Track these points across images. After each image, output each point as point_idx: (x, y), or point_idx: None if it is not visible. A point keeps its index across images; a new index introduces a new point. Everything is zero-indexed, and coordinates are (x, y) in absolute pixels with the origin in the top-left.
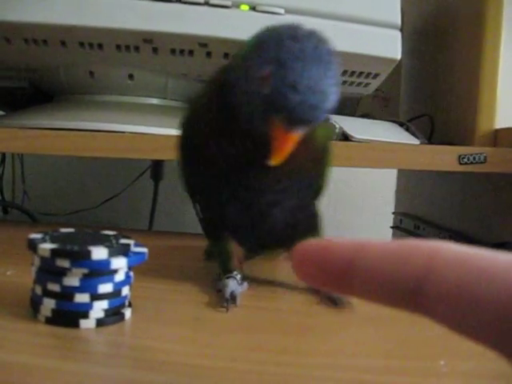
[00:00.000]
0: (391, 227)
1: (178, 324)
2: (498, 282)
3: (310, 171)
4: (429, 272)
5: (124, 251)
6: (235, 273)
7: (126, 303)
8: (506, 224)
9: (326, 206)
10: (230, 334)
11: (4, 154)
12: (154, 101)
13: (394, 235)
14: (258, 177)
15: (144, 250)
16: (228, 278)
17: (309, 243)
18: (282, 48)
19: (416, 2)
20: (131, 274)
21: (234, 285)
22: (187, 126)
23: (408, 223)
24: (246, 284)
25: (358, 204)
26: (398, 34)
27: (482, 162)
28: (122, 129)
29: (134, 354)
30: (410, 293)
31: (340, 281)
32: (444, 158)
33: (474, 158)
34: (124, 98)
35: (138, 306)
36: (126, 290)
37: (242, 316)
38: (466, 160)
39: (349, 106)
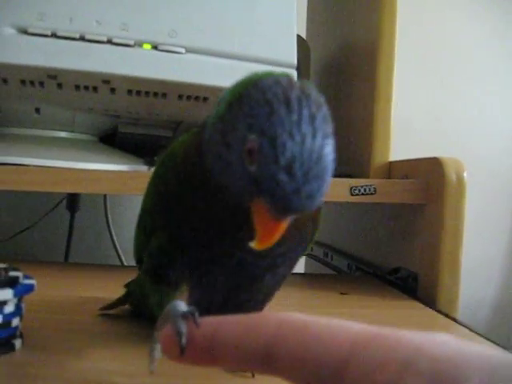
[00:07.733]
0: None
1: (68, 352)
2: (324, 345)
3: (308, 230)
4: (276, 340)
5: (11, 283)
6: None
7: (18, 334)
8: (399, 251)
9: None
10: (114, 361)
11: None
12: (62, 134)
13: (306, 262)
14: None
15: (32, 281)
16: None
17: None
18: (272, 117)
19: (322, 38)
20: (23, 305)
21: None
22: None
23: (318, 251)
24: None
25: None
26: (294, 73)
27: (372, 193)
28: (27, 162)
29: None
30: (262, 358)
31: (205, 355)
32: (337, 189)
33: (365, 190)
34: (32, 131)
35: (29, 337)
36: (16, 321)
37: (122, 344)
38: (357, 191)
39: None
